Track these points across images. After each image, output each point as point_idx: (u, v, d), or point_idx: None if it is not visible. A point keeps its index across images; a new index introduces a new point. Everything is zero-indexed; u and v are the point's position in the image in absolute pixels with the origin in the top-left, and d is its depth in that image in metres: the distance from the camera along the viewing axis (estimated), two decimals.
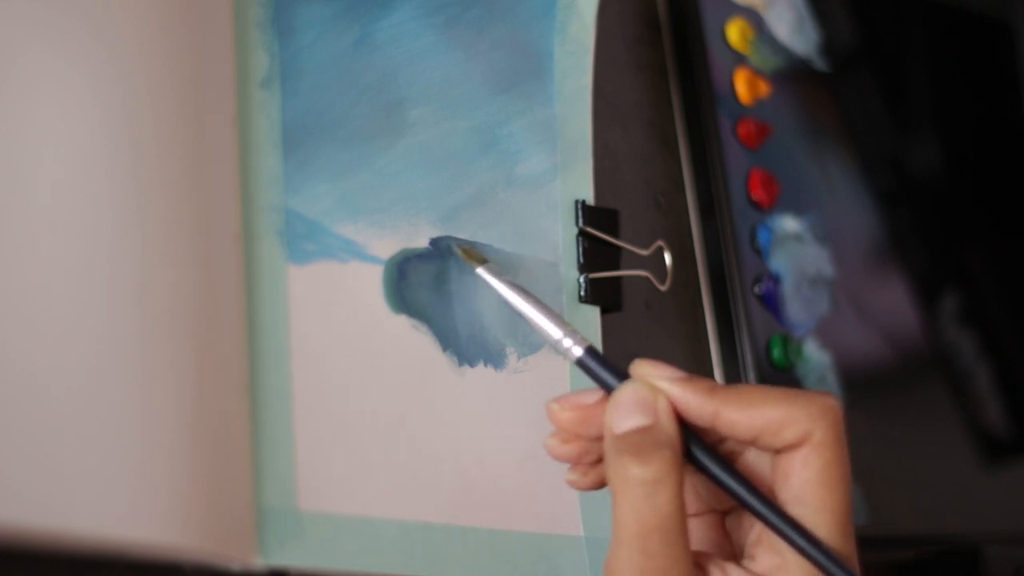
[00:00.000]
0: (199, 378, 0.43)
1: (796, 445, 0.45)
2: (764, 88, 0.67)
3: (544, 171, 0.56)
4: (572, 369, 0.55)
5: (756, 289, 0.63)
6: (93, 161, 0.42)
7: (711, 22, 0.65)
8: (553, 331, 0.49)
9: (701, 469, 0.46)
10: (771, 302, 0.63)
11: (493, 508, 0.51)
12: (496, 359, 0.53)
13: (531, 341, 0.54)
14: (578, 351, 0.48)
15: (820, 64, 0.71)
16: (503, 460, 0.52)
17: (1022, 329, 0.77)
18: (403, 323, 0.50)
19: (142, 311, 0.42)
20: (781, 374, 0.63)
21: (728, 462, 0.47)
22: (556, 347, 0.49)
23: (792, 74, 0.69)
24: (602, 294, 0.56)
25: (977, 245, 0.77)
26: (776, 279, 0.64)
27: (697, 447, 0.46)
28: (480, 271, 0.52)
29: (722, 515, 0.49)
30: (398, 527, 0.48)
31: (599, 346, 0.56)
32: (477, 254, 0.52)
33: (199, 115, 0.45)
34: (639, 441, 0.45)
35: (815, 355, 0.64)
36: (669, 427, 0.45)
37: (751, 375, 0.62)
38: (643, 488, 0.44)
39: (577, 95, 0.57)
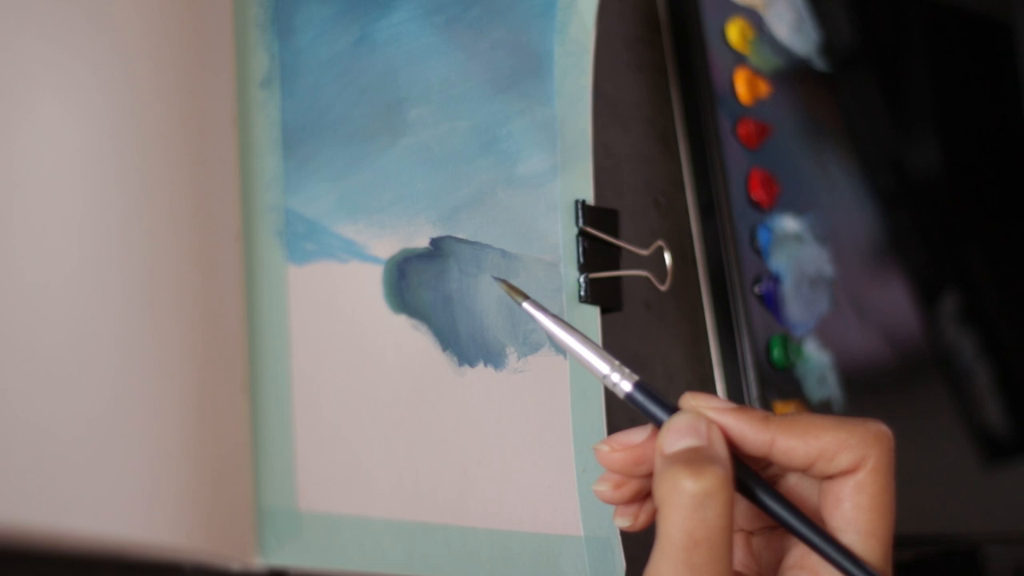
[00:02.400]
0: (199, 378, 0.43)
1: (850, 471, 0.46)
2: (764, 88, 0.67)
3: (544, 171, 0.56)
4: (572, 369, 0.55)
5: (756, 289, 0.63)
6: (93, 161, 0.42)
7: (711, 22, 0.65)
8: (601, 366, 0.49)
9: (752, 498, 0.46)
10: (771, 302, 0.63)
11: (493, 508, 0.51)
12: (496, 359, 0.53)
13: (531, 341, 0.54)
14: (627, 386, 0.48)
15: (820, 64, 0.71)
16: (503, 460, 0.52)
17: (1022, 329, 0.77)
18: (403, 323, 0.50)
19: (142, 311, 0.42)
20: (781, 374, 0.63)
21: (775, 489, 0.47)
22: (604, 382, 0.49)
23: (792, 74, 0.69)
24: (602, 294, 0.56)
25: (977, 245, 0.77)
26: (776, 279, 0.64)
27: (747, 476, 0.46)
28: (525, 306, 0.51)
29: (749, 535, 0.49)
30: (398, 527, 0.48)
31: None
32: (519, 289, 0.52)
33: (199, 115, 0.45)
34: (691, 456, 0.45)
35: (815, 355, 0.64)
36: (721, 449, 0.45)
37: (751, 375, 0.62)
38: (693, 500, 0.43)
39: (577, 95, 0.57)
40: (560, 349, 0.54)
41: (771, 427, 0.46)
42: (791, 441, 0.46)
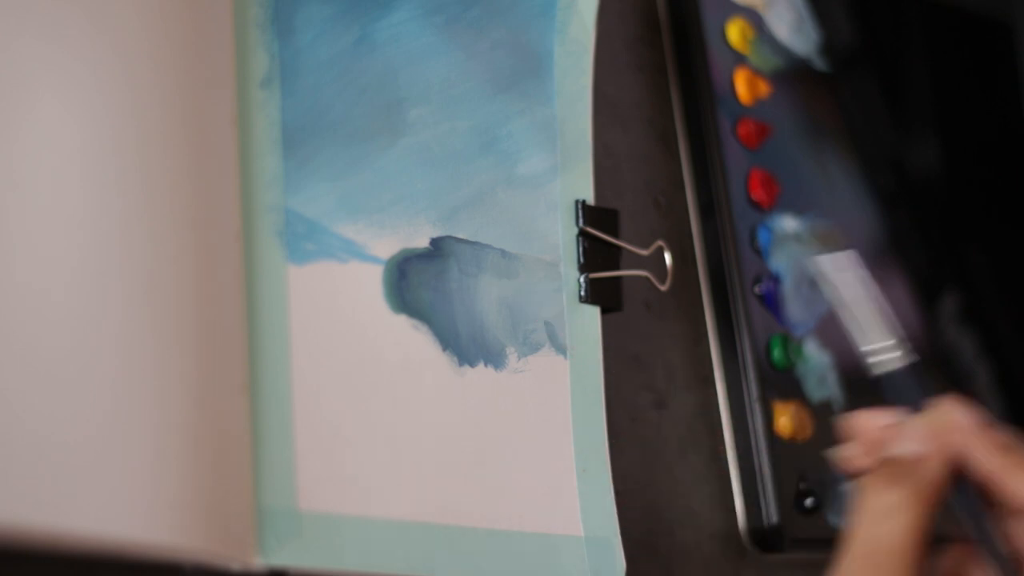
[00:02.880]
0: (199, 378, 0.43)
1: None
2: (764, 88, 0.67)
3: (544, 171, 0.56)
4: (572, 369, 0.55)
5: (756, 289, 0.63)
6: (93, 161, 0.42)
7: (711, 22, 0.65)
8: (885, 336, 0.48)
9: (961, 519, 0.46)
10: (771, 302, 0.63)
11: (493, 508, 0.51)
12: (496, 359, 0.53)
13: (531, 341, 0.54)
14: (899, 364, 0.48)
15: (820, 64, 0.71)
16: (503, 460, 0.52)
17: (1022, 329, 0.77)
18: (403, 323, 0.50)
19: (142, 311, 0.42)
20: (781, 374, 0.63)
21: (990, 522, 0.46)
22: (874, 351, 0.48)
23: (792, 74, 0.69)
24: (602, 294, 0.56)
25: (977, 245, 0.77)
26: (776, 279, 0.64)
27: (963, 505, 0.46)
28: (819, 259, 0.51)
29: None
30: (398, 527, 0.48)
31: (599, 346, 0.56)
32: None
33: (199, 115, 0.45)
34: (898, 465, 0.45)
35: (815, 355, 0.64)
36: (937, 466, 0.45)
37: (751, 375, 0.62)
38: (886, 508, 0.44)
39: (577, 95, 0.57)
40: (560, 349, 0.54)
41: (1004, 459, 0.45)
42: (1017, 482, 0.45)
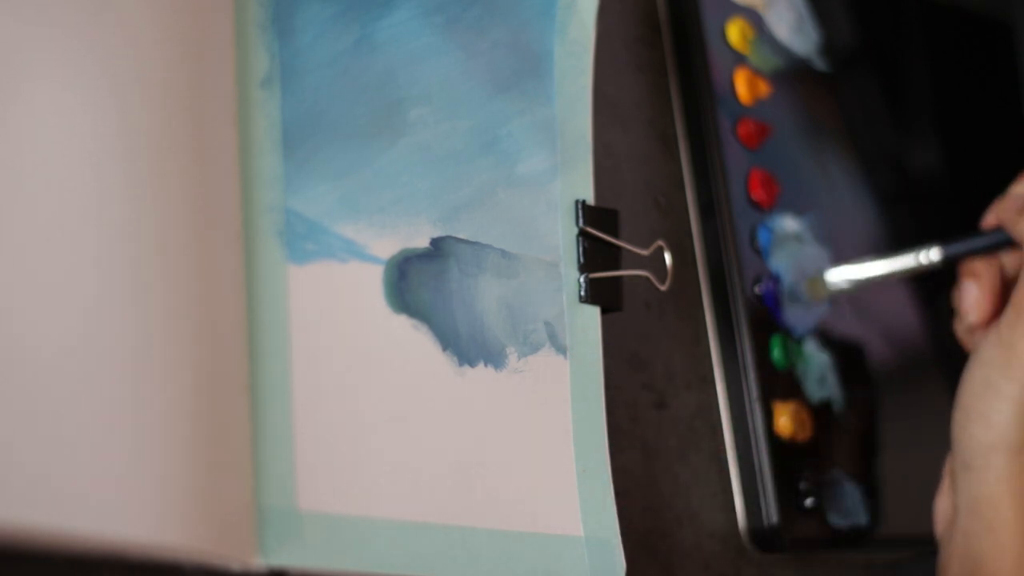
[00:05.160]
0: (199, 378, 0.43)
1: None
2: (764, 88, 0.67)
3: (544, 171, 0.56)
4: (572, 369, 0.55)
5: (756, 289, 0.63)
6: (93, 162, 0.42)
7: (711, 22, 0.65)
8: (906, 261, 0.62)
9: None
10: (771, 302, 0.63)
11: (493, 508, 0.51)
12: (496, 359, 0.53)
13: (531, 341, 0.54)
14: (936, 253, 0.62)
15: (820, 64, 0.71)
16: (503, 460, 0.52)
17: None
18: (403, 323, 0.50)
19: (142, 311, 0.42)
20: (781, 374, 0.63)
21: None
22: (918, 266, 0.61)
23: (792, 74, 0.69)
24: (602, 294, 0.56)
25: None
26: (776, 279, 0.64)
27: None
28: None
29: None
30: (398, 527, 0.48)
31: (599, 346, 0.56)
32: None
33: (199, 115, 0.45)
34: None
35: (815, 355, 0.64)
36: None
37: (751, 375, 0.62)
38: None
39: (577, 95, 0.57)
40: (560, 349, 0.55)
41: None
42: None
